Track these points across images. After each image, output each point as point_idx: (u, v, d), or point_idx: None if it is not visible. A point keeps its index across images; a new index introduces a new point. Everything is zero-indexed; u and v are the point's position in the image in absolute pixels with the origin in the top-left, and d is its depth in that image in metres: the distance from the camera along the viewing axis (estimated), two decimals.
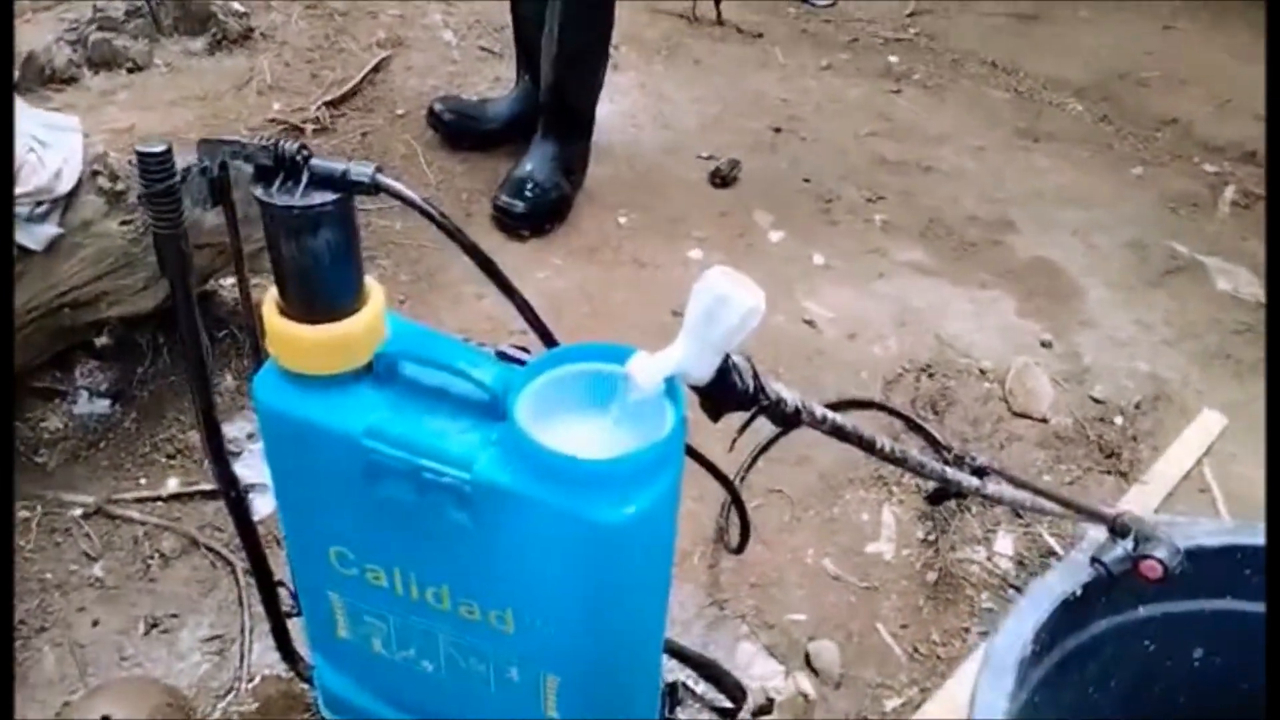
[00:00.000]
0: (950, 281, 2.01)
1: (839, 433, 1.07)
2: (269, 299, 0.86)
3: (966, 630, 1.36)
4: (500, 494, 0.82)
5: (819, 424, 1.03)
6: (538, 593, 0.88)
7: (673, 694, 1.18)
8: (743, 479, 1.49)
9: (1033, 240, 2.16)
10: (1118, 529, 0.75)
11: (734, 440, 0.87)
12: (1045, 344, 1.87)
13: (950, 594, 1.41)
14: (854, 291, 1.95)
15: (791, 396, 0.96)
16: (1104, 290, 2.04)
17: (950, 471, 1.28)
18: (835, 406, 1.67)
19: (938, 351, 1.82)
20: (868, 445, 1.12)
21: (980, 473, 1.34)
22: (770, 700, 0.77)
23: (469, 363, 0.85)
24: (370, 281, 0.89)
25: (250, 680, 1.23)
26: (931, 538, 1.48)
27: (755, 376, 0.89)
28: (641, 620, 0.95)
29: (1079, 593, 0.68)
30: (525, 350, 0.94)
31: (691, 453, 1.04)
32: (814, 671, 1.30)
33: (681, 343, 0.83)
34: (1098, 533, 1.50)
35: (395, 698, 1.09)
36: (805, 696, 0.73)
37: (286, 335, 0.84)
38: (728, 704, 1.21)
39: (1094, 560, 0.70)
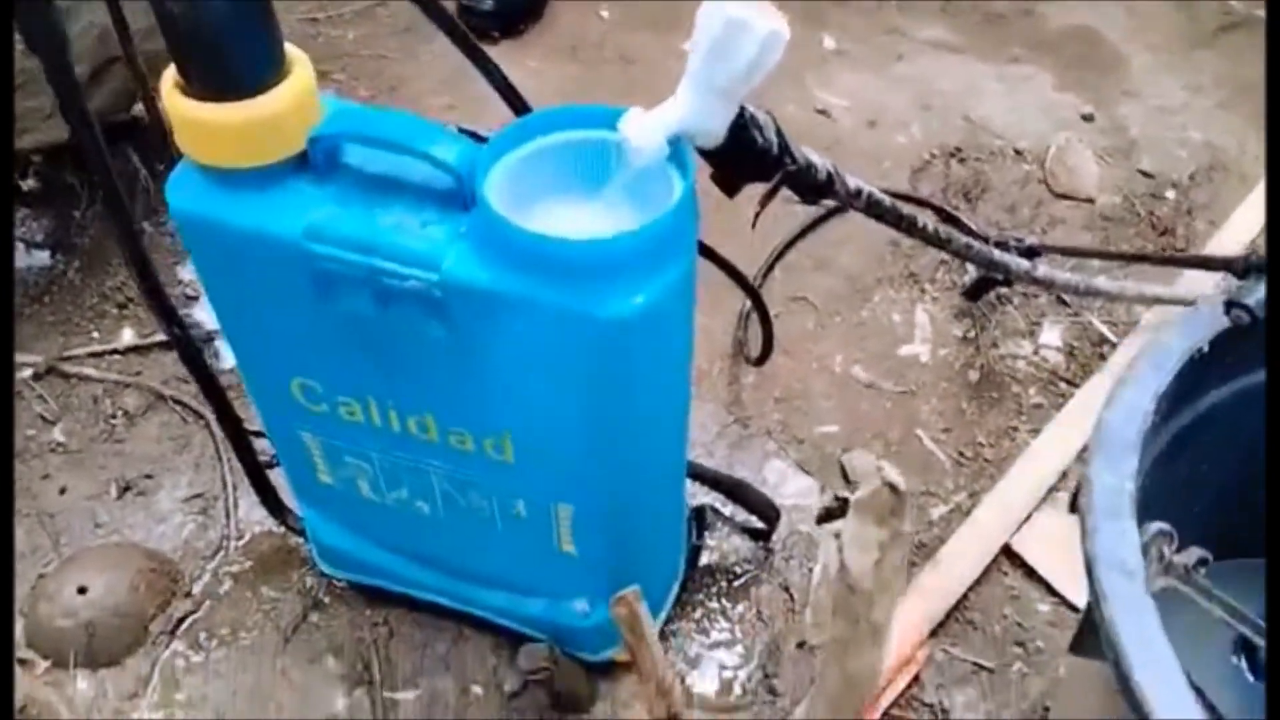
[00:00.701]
0: (978, 58, 1.80)
1: (875, 209, 0.91)
2: (168, 78, 0.69)
3: (1014, 429, 1.24)
4: (478, 296, 0.67)
5: (853, 198, 0.87)
6: (537, 412, 0.75)
7: (700, 519, 1.08)
8: (761, 283, 1.35)
9: (1067, 7, 1.92)
10: (1251, 267, 0.60)
11: (756, 214, 0.71)
12: (1086, 118, 1.67)
13: (994, 393, 1.28)
14: (871, 76, 1.74)
15: (822, 162, 0.80)
16: (1149, 55, 1.82)
17: (997, 254, 1.13)
18: None
19: (968, 134, 1.63)
20: (908, 225, 0.97)
21: (1030, 253, 1.19)
22: (842, 500, 0.64)
23: (425, 140, 0.69)
24: (294, 50, 0.71)
25: (240, 538, 1.12)
26: (971, 335, 1.35)
27: (779, 134, 0.73)
28: (659, 434, 0.83)
29: (1206, 350, 0.54)
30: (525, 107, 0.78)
31: (705, 251, 0.89)
32: (850, 484, 1.19)
33: (686, 91, 0.67)
34: (1156, 315, 1.36)
35: (394, 544, 0.99)
36: (893, 488, 0.59)
37: (193, 118, 0.67)
38: (760, 525, 1.11)
39: (1231, 305, 0.55)
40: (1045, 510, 1.13)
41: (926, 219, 0.99)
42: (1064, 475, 1.17)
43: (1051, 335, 1.35)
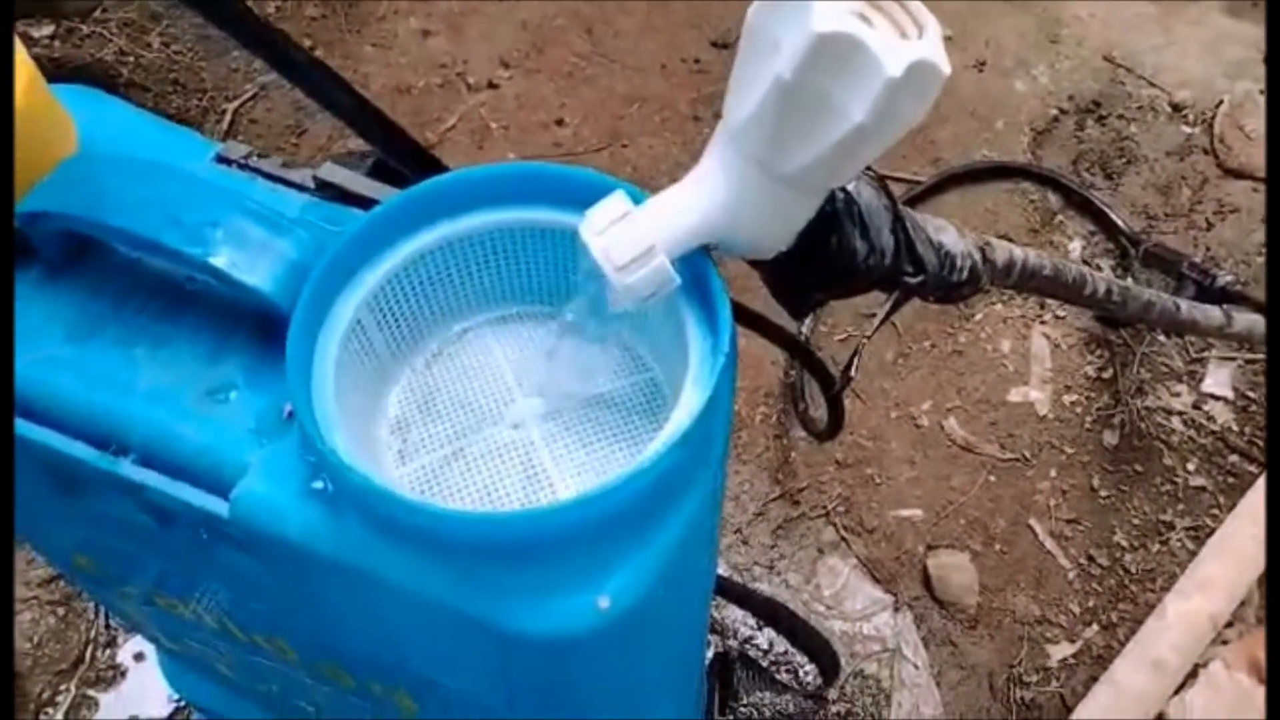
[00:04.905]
0: None
1: (1035, 283, 0.57)
2: None
3: (1167, 526, 0.91)
4: (304, 556, 0.35)
5: (1003, 278, 0.53)
6: (439, 683, 0.44)
7: (724, 676, 0.77)
8: (845, 378, 0.98)
9: None
10: None
11: (843, 378, 0.37)
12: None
13: (1139, 465, 0.94)
14: None
15: (963, 247, 0.45)
16: None
17: (1185, 308, 0.77)
18: (961, 176, 1.13)
19: (1109, 80, 1.23)
20: (1073, 293, 0.62)
21: (1222, 298, 0.83)
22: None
23: (221, 223, 0.35)
24: None
25: (109, 644, 0.84)
26: (1107, 375, 0.99)
27: (899, 224, 0.38)
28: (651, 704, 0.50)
29: None
30: (424, 159, 0.42)
31: (746, 318, 0.53)
32: (936, 600, 0.88)
33: (718, 167, 0.32)
34: None
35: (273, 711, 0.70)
36: None
37: None
38: (805, 666, 0.80)
39: None
40: (1215, 668, 0.80)
41: (1093, 276, 0.64)
42: (1241, 605, 0.84)
43: (1219, 379, 0.99)
